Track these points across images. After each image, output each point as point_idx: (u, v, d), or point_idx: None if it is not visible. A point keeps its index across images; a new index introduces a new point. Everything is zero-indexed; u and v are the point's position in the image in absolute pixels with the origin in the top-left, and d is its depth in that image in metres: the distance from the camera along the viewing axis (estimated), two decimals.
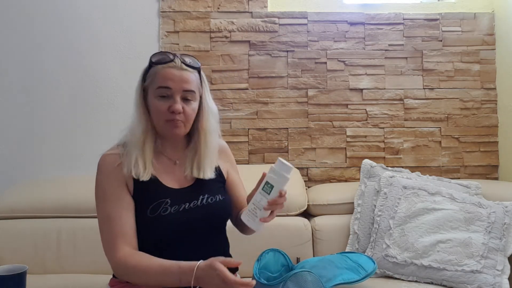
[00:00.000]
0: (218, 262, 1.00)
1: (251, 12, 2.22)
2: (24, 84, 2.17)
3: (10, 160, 2.16)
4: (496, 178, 2.23)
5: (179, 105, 1.15)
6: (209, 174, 1.22)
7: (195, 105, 1.20)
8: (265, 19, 2.21)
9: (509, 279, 1.55)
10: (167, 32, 2.20)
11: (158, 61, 1.17)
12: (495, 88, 2.24)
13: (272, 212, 1.07)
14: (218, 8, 2.21)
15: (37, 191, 1.89)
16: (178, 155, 1.25)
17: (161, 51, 1.20)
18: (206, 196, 1.21)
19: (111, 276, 1.23)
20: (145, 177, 1.15)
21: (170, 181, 1.21)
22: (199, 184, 1.23)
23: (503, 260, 1.56)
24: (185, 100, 1.17)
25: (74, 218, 1.79)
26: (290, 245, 1.70)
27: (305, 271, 1.16)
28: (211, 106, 1.25)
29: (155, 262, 1.08)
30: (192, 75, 1.19)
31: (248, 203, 1.11)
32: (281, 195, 1.05)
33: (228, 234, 1.30)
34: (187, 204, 1.18)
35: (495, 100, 2.24)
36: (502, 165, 2.22)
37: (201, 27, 2.21)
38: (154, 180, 1.18)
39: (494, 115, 2.24)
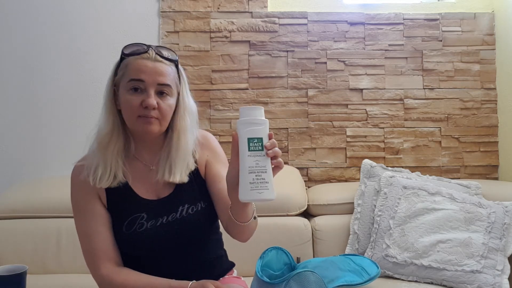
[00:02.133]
0: (210, 284, 0.97)
1: (251, 12, 2.22)
2: (24, 84, 2.17)
3: (10, 160, 2.16)
4: (496, 178, 2.23)
5: (153, 100, 1.03)
6: (179, 177, 1.10)
7: (172, 101, 1.08)
8: (265, 19, 2.21)
9: (509, 279, 1.55)
10: (167, 32, 2.20)
11: (131, 52, 1.07)
12: (495, 88, 2.24)
13: (274, 158, 0.87)
14: (218, 8, 2.21)
15: (37, 191, 1.89)
16: (155, 160, 1.14)
17: (135, 43, 1.10)
18: (186, 206, 1.11)
19: None
20: (105, 183, 1.06)
21: (146, 191, 1.12)
22: (178, 193, 1.12)
23: (503, 260, 1.56)
24: (160, 94, 1.06)
25: None
26: (290, 245, 1.70)
27: (308, 271, 1.15)
28: (188, 103, 1.13)
29: (143, 280, 1.04)
30: (168, 68, 1.08)
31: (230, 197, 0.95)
32: (271, 136, 0.87)
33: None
34: (165, 217, 1.10)
35: (495, 100, 2.24)
36: (502, 165, 2.22)
37: (201, 27, 2.21)
38: (128, 191, 1.10)
39: (494, 115, 2.24)
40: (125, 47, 1.09)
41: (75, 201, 1.12)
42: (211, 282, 0.99)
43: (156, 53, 1.08)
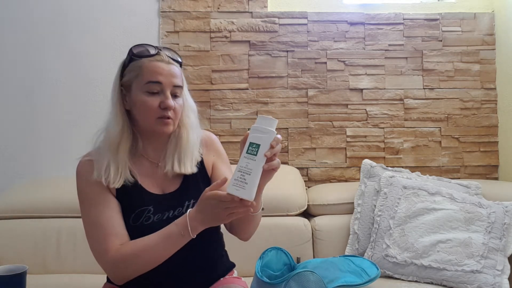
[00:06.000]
0: (205, 193, 0.97)
1: (251, 12, 2.22)
2: (24, 84, 2.17)
3: (10, 160, 2.16)
4: (496, 178, 2.23)
5: (171, 101, 1.08)
6: (190, 168, 1.14)
7: (181, 101, 1.14)
8: (265, 19, 2.21)
9: (509, 279, 1.55)
10: (167, 32, 2.20)
11: (141, 53, 1.10)
12: (495, 88, 2.24)
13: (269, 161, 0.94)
14: (218, 8, 2.21)
15: (37, 191, 1.89)
16: (160, 156, 1.17)
17: (142, 43, 1.13)
18: (192, 201, 1.13)
19: (105, 281, 1.19)
20: (116, 183, 1.08)
21: (153, 186, 1.14)
22: (184, 189, 1.15)
23: (503, 260, 1.56)
24: (173, 95, 1.11)
25: (74, 218, 1.78)
26: (290, 245, 1.70)
27: (307, 271, 1.16)
28: (190, 102, 1.19)
29: (150, 236, 1.04)
30: (178, 69, 1.13)
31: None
32: (273, 147, 0.93)
33: (227, 233, 1.25)
34: (171, 211, 1.12)
35: (495, 100, 2.24)
36: (502, 165, 2.22)
37: (201, 27, 2.21)
38: (136, 185, 1.12)
39: (494, 115, 2.24)
40: (134, 47, 1.12)
41: (84, 193, 1.11)
42: (203, 192, 0.99)
43: (167, 55, 1.11)
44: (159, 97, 1.08)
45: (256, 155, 0.92)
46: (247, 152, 0.93)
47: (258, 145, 0.93)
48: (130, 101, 1.12)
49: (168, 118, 1.09)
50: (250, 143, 0.94)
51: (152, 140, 1.16)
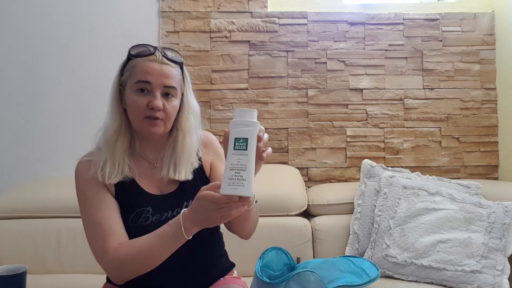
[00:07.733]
0: (200, 193, 0.95)
1: (251, 12, 2.22)
2: (24, 84, 2.17)
3: (10, 160, 2.16)
4: (496, 178, 2.23)
5: (159, 101, 1.07)
6: (184, 175, 1.13)
7: (176, 102, 1.12)
8: (265, 19, 2.21)
9: (509, 279, 1.55)
10: (167, 32, 2.20)
11: (138, 53, 1.10)
12: (495, 88, 2.24)
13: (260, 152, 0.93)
14: (218, 8, 2.21)
15: (37, 191, 1.89)
16: (158, 157, 1.17)
17: (141, 44, 1.13)
18: (190, 202, 1.08)
19: (105, 281, 1.19)
20: (113, 179, 1.08)
21: (151, 187, 1.14)
22: (183, 189, 1.14)
23: (503, 260, 1.56)
24: (166, 96, 1.10)
25: (74, 218, 1.78)
26: (290, 245, 1.70)
27: (308, 271, 1.16)
28: (192, 104, 1.17)
29: (146, 237, 1.03)
30: (174, 70, 1.11)
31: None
32: (260, 137, 0.91)
33: (227, 233, 1.24)
34: (170, 212, 1.12)
35: (495, 100, 2.24)
36: (502, 165, 2.22)
37: (201, 27, 2.21)
38: (134, 186, 1.12)
39: (494, 115, 2.24)
40: (132, 47, 1.12)
41: (83, 193, 1.11)
42: (199, 192, 0.96)
43: (163, 55, 1.10)
44: (148, 96, 1.08)
45: (246, 149, 0.89)
46: (234, 149, 0.89)
47: (245, 139, 0.89)
48: (125, 100, 1.12)
49: (156, 118, 1.08)
50: (236, 138, 0.90)
51: (149, 140, 1.16)
